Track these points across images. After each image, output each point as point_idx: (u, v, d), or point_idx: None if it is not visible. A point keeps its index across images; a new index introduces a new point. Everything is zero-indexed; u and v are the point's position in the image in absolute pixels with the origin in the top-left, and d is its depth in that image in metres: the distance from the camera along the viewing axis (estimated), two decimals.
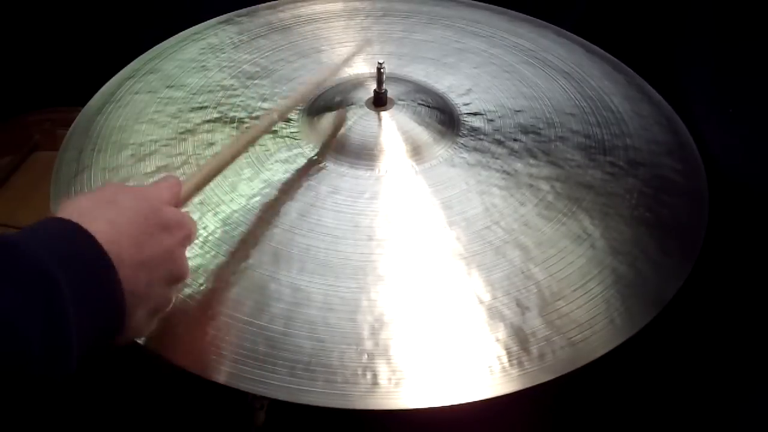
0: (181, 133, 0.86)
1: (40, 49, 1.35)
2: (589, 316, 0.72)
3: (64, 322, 0.53)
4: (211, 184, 0.79)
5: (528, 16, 1.06)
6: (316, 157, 0.82)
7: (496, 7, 1.07)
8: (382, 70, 0.83)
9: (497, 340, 0.69)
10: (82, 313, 0.54)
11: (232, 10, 1.05)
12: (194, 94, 0.91)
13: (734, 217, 0.93)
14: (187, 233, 0.67)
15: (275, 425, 0.82)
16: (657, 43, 1.11)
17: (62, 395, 1.04)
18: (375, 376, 0.67)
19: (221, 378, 0.67)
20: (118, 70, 0.97)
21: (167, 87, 0.92)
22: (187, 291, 0.71)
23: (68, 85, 0.94)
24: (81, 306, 0.54)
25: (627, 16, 1.18)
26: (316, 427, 0.88)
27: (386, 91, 0.85)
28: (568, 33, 1.04)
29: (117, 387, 1.05)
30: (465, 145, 0.84)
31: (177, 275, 0.66)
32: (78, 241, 0.57)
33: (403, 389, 0.66)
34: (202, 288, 0.71)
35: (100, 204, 0.61)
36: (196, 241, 0.74)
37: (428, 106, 0.87)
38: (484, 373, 0.68)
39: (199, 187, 0.72)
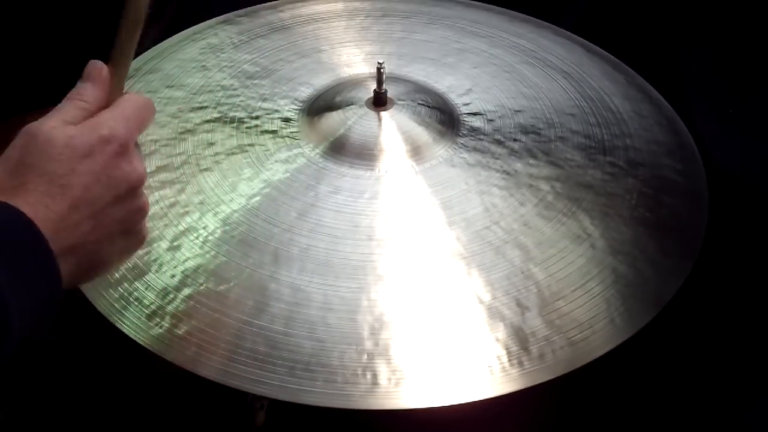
0: (181, 133, 0.86)
1: (40, 49, 1.35)
2: (589, 316, 0.72)
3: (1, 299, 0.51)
4: (211, 183, 0.80)
5: (527, 16, 1.06)
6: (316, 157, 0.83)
7: (495, 7, 1.07)
8: (382, 70, 0.83)
9: (497, 339, 0.69)
10: (18, 288, 0.52)
11: (232, 10, 1.05)
12: (194, 93, 0.91)
13: (734, 217, 0.93)
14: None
15: (275, 425, 0.82)
16: (657, 44, 1.11)
17: (62, 394, 1.04)
18: (375, 376, 0.67)
19: (221, 378, 0.67)
20: None
21: (167, 87, 0.92)
22: (187, 291, 0.71)
23: (68, 85, 0.94)
24: (16, 281, 0.52)
25: (627, 17, 1.18)
26: (316, 427, 0.88)
27: (386, 91, 0.85)
28: (568, 33, 1.03)
29: (117, 387, 1.05)
30: (465, 145, 0.84)
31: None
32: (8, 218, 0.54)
33: (404, 389, 0.66)
34: (202, 288, 0.71)
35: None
36: (196, 241, 0.75)
37: (428, 106, 0.87)
38: (484, 372, 0.68)
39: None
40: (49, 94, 1.24)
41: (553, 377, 0.68)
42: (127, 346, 0.69)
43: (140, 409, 1.04)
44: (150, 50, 0.98)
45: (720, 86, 0.98)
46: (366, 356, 0.68)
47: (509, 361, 0.68)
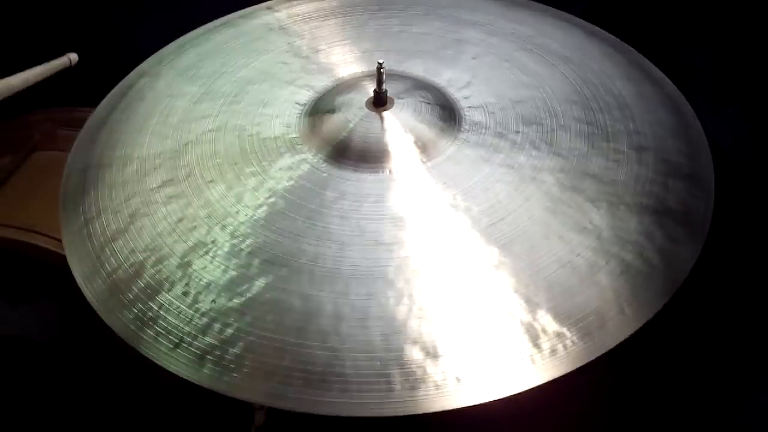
0: (185, 144, 0.86)
1: (41, 49, 1.35)
2: (599, 308, 0.72)
3: None
4: (216, 195, 0.80)
5: (526, 0, 1.05)
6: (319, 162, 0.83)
7: None
8: (382, 70, 0.83)
9: (509, 337, 0.70)
10: None
11: (229, 12, 1.05)
12: (195, 103, 0.91)
13: (740, 205, 0.93)
14: None
15: (275, 425, 0.83)
16: (655, 45, 1.09)
17: (62, 394, 1.05)
18: (389, 382, 0.67)
19: (238, 393, 0.68)
20: (118, 70, 0.97)
21: (168, 96, 0.92)
22: (200, 307, 0.72)
23: (68, 85, 0.95)
24: None
25: (629, 14, 1.17)
26: (316, 427, 0.89)
27: (386, 90, 0.85)
28: (567, 14, 1.02)
29: (117, 386, 1.06)
30: (467, 141, 0.84)
31: None
32: None
33: (418, 394, 0.67)
34: (214, 303, 0.72)
35: None
36: (206, 256, 0.75)
37: (429, 103, 0.87)
38: (496, 372, 0.68)
39: None
40: (50, 94, 1.25)
41: (565, 372, 0.69)
42: (127, 348, 0.70)
43: (140, 409, 1.05)
44: (149, 59, 0.99)
45: (720, 86, 0.97)
46: (379, 363, 0.68)
47: (521, 359, 0.69)
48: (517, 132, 0.85)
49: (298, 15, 1.03)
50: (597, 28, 1.00)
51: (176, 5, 1.35)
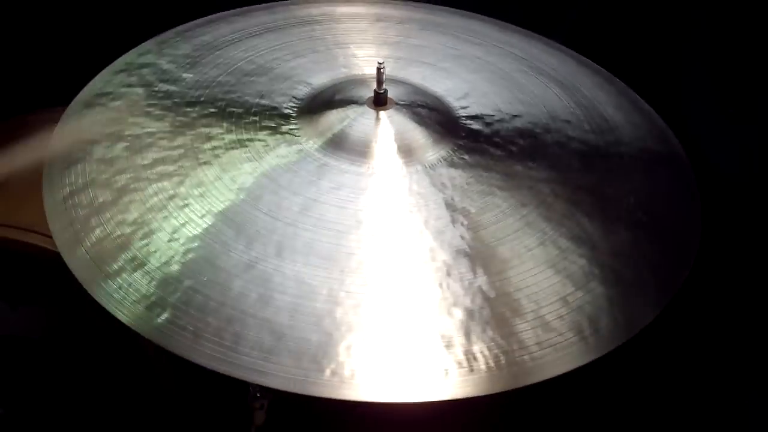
0: (178, 126, 0.84)
1: (41, 48, 1.33)
2: (591, 317, 0.72)
3: None
4: (210, 176, 0.79)
5: (518, 27, 1.07)
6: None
7: (488, 18, 1.08)
8: (381, 70, 0.83)
9: (503, 337, 0.69)
10: None
11: (228, 9, 1.04)
12: (190, 88, 0.89)
13: (734, 218, 0.95)
14: None
15: (275, 425, 0.80)
16: (654, 45, 1.13)
17: (62, 395, 1.02)
18: (379, 369, 0.66)
19: (225, 369, 0.65)
20: None
21: (162, 81, 0.91)
22: (189, 282, 0.70)
23: (69, 85, 0.93)
24: None
25: (622, 20, 1.20)
26: (316, 427, 0.87)
27: (386, 91, 0.85)
28: (558, 44, 1.05)
29: (116, 386, 1.03)
30: (464, 147, 0.84)
31: None
32: None
33: (410, 382, 0.66)
34: (205, 280, 0.70)
35: None
36: (197, 234, 0.73)
37: (428, 108, 0.87)
38: (492, 371, 0.67)
39: None
40: (50, 94, 1.22)
41: (555, 375, 0.68)
42: (128, 347, 0.68)
43: (140, 409, 1.02)
44: (142, 45, 0.97)
45: (720, 86, 1.00)
46: (369, 349, 0.67)
47: (515, 357, 0.68)
48: (514, 143, 0.86)
49: (295, 18, 1.03)
50: (588, 60, 1.03)
51: (179, 6, 1.34)
